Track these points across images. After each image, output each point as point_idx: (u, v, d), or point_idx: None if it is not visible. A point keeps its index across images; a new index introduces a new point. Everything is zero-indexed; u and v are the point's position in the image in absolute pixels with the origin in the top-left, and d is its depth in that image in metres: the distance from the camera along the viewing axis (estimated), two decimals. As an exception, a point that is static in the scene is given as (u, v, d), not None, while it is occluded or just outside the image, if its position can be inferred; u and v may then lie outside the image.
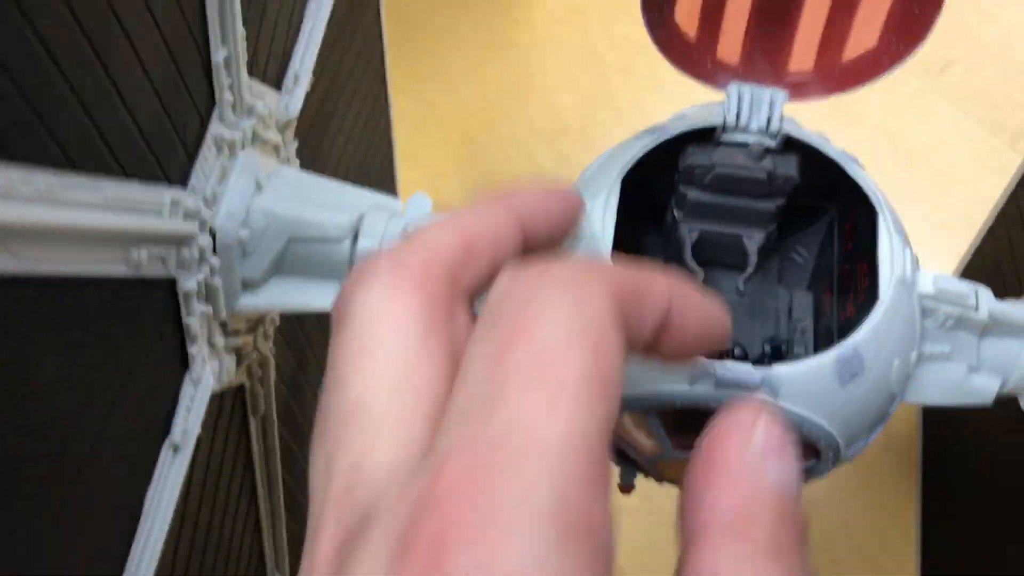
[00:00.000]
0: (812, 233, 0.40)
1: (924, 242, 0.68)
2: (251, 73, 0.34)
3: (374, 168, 0.56)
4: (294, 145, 0.39)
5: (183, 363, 0.33)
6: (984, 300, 0.33)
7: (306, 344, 0.48)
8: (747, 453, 0.13)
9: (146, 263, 0.28)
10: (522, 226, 0.17)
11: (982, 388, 0.34)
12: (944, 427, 0.56)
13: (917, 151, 0.70)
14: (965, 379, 0.34)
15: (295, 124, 0.39)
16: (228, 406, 0.38)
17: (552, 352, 0.13)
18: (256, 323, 0.38)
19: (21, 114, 0.22)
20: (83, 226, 0.24)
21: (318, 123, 0.43)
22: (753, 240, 0.35)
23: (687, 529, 0.13)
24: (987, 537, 0.48)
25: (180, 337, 0.32)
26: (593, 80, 0.72)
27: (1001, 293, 0.58)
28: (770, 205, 0.35)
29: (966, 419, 0.53)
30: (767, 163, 0.33)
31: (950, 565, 0.52)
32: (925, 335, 0.33)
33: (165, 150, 0.29)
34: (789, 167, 0.33)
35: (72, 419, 0.26)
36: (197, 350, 0.33)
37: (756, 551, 0.13)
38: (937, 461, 0.57)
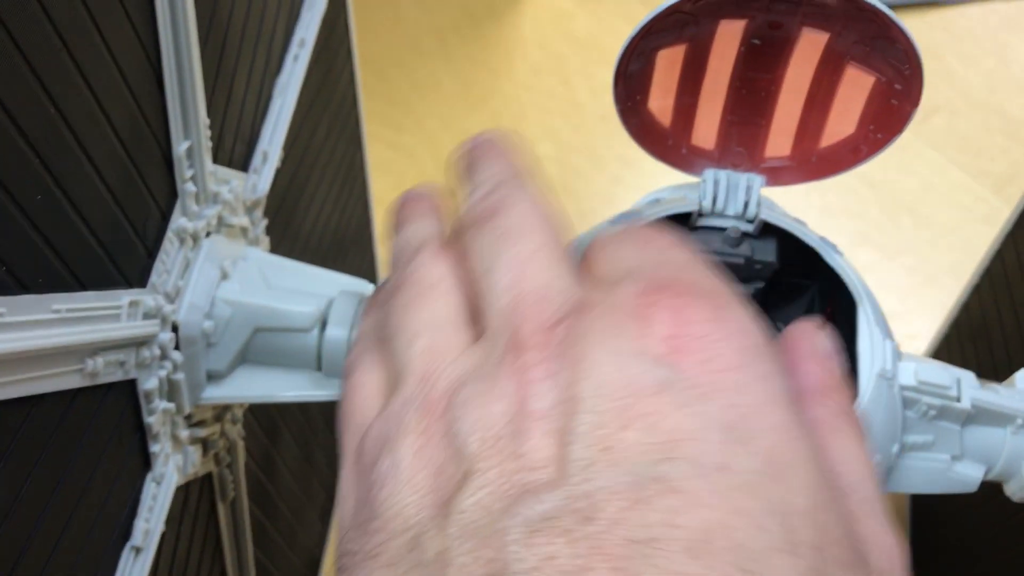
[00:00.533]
0: (794, 309, 0.39)
1: (912, 294, 0.67)
2: (216, 159, 0.33)
3: (350, 229, 0.55)
4: (263, 224, 0.38)
5: (144, 463, 0.32)
6: (966, 390, 0.32)
7: (278, 417, 0.47)
8: (821, 344, 0.19)
9: (103, 370, 0.27)
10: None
11: (966, 476, 0.33)
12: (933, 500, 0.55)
13: (903, 200, 0.69)
14: (949, 468, 0.33)
15: (264, 203, 0.38)
16: (195, 495, 0.37)
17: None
18: (223, 410, 0.37)
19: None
20: (34, 348, 0.23)
21: (289, 197, 0.42)
22: None
23: None
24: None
25: (141, 436, 0.31)
26: (574, 130, 0.71)
27: (987, 351, 0.57)
28: (748, 289, 0.34)
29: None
30: (745, 248, 0.33)
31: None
32: (907, 426, 0.32)
33: (123, 253, 0.28)
34: (768, 253, 0.33)
35: (23, 538, 0.25)
36: (159, 448, 0.32)
37: (840, 407, 0.18)
38: (926, 535, 0.56)
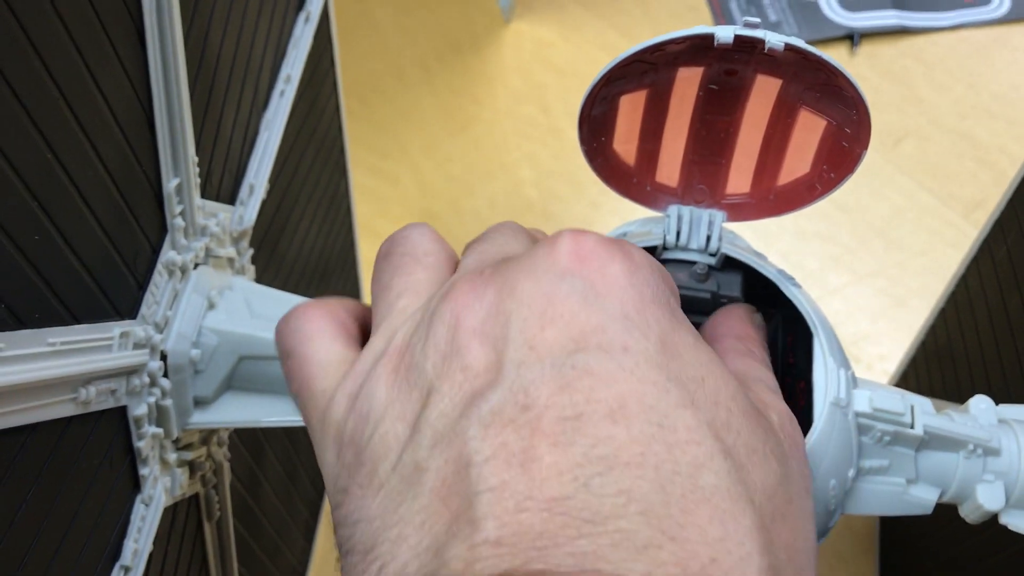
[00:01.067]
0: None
1: (883, 315, 0.69)
2: (204, 194, 0.35)
3: (334, 255, 0.56)
4: (249, 254, 0.40)
5: (134, 485, 0.33)
6: (920, 417, 0.33)
7: (263, 439, 0.48)
8: (743, 312, 0.28)
9: (95, 399, 0.29)
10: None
11: (921, 499, 0.34)
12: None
13: (874, 224, 0.71)
14: (904, 491, 0.34)
15: (250, 234, 0.39)
16: (181, 516, 0.38)
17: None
18: (209, 433, 0.38)
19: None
20: (30, 381, 0.25)
21: (275, 226, 0.44)
22: None
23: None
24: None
25: (131, 459, 0.33)
26: (553, 156, 0.73)
27: (952, 375, 0.59)
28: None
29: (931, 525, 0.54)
30: (711, 284, 0.34)
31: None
32: (863, 451, 0.33)
33: (114, 286, 0.30)
34: (733, 287, 0.34)
35: (18, 560, 0.26)
36: (148, 471, 0.33)
37: (749, 349, 0.26)
38: (896, 543, 0.58)
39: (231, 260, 0.38)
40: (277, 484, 0.51)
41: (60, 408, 0.27)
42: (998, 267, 0.48)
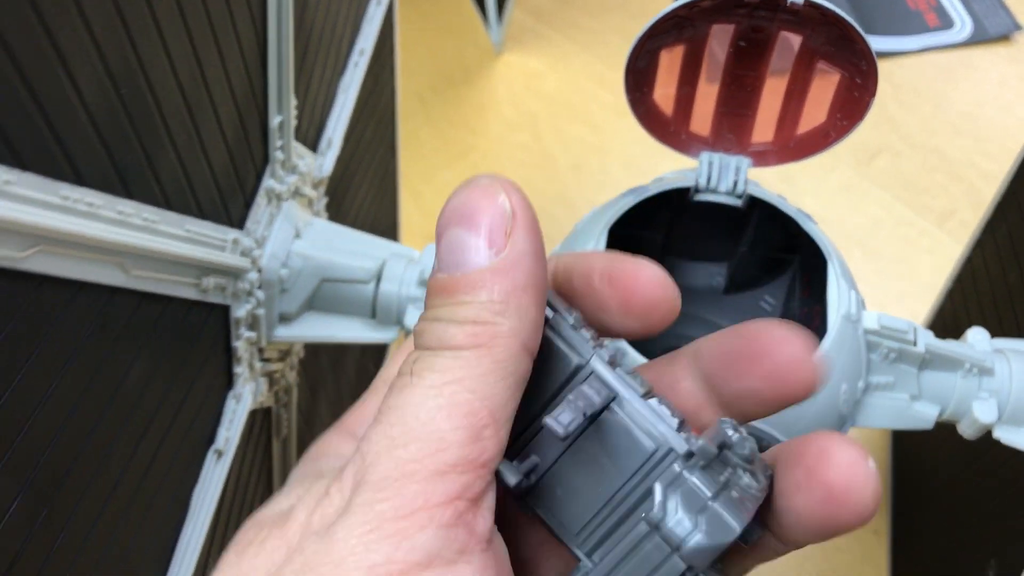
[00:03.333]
0: (778, 285, 0.46)
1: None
2: (296, 137, 0.40)
3: (380, 229, 0.62)
4: (323, 201, 0.45)
5: (228, 381, 0.38)
6: (921, 336, 0.38)
7: (320, 381, 0.53)
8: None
9: (211, 290, 0.33)
10: None
11: (923, 415, 0.39)
12: (915, 462, 0.61)
13: (854, 235, 0.76)
14: (908, 407, 0.39)
15: (326, 183, 0.44)
16: (257, 425, 0.42)
17: None
18: (286, 353, 0.43)
19: (135, 156, 0.27)
20: (173, 253, 0.30)
21: (341, 184, 0.49)
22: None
23: None
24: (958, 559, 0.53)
25: (228, 357, 0.37)
26: (547, 180, 0.77)
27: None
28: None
29: (937, 453, 0.58)
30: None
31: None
32: (871, 367, 0.38)
33: (231, 197, 0.35)
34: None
35: (147, 420, 0.31)
36: (241, 370, 0.38)
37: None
38: (908, 490, 0.62)
39: (311, 202, 0.43)
40: (327, 424, 0.55)
41: (187, 290, 0.32)
42: (999, 245, 0.53)
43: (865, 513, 0.17)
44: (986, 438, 0.39)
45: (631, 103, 0.38)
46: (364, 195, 0.54)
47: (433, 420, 0.17)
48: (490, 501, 0.17)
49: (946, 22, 0.87)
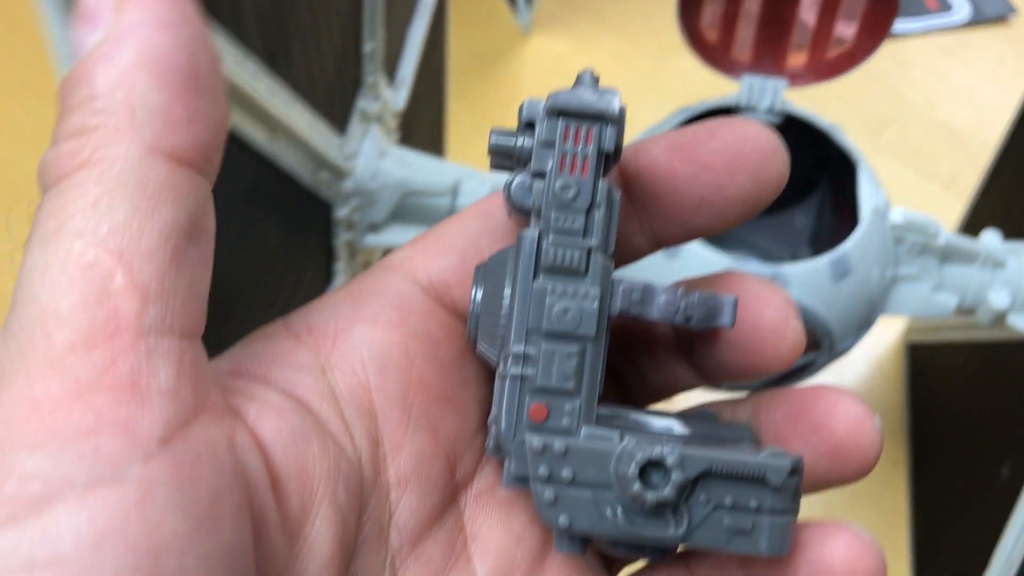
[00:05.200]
0: (809, 203, 0.51)
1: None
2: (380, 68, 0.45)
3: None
4: (396, 133, 0.50)
5: (327, 279, 0.42)
6: (942, 231, 0.43)
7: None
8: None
9: (324, 184, 0.38)
10: None
11: (943, 303, 0.44)
12: (932, 406, 0.65)
13: None
14: (930, 296, 0.44)
15: (400, 115, 0.49)
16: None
17: None
18: (369, 263, 0.48)
19: (277, 47, 0.32)
20: (303, 135, 0.34)
21: (407, 121, 0.54)
22: None
23: None
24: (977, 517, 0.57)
25: (328, 256, 0.42)
26: None
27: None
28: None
29: (951, 374, 0.62)
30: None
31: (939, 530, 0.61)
32: (898, 260, 0.43)
33: (337, 106, 0.39)
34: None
35: (278, 283, 0.36)
36: (338, 269, 0.43)
37: None
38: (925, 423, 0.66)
39: (389, 131, 0.48)
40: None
41: (309, 176, 0.37)
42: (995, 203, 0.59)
43: (866, 468, 0.17)
44: (998, 351, 0.44)
45: (683, 30, 0.43)
46: (423, 139, 0.59)
47: (41, 293, 0.12)
48: (165, 382, 0.13)
49: (944, 5, 0.93)
